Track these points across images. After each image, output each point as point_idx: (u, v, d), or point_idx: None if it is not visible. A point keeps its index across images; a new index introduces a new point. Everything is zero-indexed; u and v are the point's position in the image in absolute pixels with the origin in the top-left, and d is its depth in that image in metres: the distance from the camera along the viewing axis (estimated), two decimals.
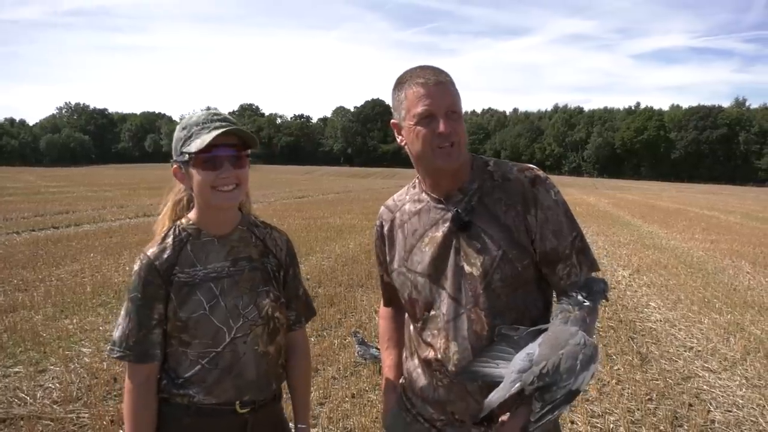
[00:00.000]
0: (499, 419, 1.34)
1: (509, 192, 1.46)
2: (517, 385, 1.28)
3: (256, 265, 1.56)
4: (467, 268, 1.43)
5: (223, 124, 1.45)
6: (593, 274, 1.48)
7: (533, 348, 1.32)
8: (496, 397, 1.30)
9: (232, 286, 1.51)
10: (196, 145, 1.41)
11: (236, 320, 1.50)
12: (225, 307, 1.49)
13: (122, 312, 1.49)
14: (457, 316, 1.44)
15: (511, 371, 1.31)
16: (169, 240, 1.51)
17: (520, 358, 1.32)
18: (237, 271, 1.53)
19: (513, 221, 1.44)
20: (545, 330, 1.36)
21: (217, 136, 1.40)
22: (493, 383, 1.35)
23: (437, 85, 1.41)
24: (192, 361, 1.49)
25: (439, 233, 1.48)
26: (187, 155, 1.44)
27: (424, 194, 1.54)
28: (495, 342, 1.40)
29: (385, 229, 1.62)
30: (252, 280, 1.54)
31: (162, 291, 1.47)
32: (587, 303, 1.37)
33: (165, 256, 1.48)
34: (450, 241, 1.46)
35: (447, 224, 1.47)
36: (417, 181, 1.60)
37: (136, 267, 1.49)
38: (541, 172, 1.50)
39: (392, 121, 1.52)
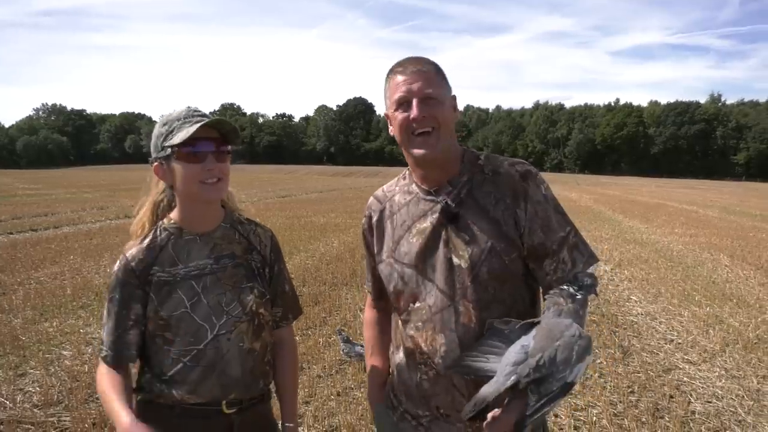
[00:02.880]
0: (490, 414, 1.30)
1: (499, 185, 1.46)
2: (513, 378, 1.25)
3: (239, 261, 1.55)
4: (455, 260, 1.43)
5: (205, 119, 1.45)
6: (592, 267, 1.47)
7: (528, 340, 1.30)
8: (489, 390, 1.27)
9: (214, 283, 1.50)
10: (180, 137, 1.41)
11: (219, 317, 1.49)
12: (207, 305, 1.48)
13: (104, 312, 1.50)
14: (445, 308, 1.44)
15: (505, 364, 1.29)
16: (148, 240, 1.51)
17: (514, 351, 1.30)
18: (219, 268, 1.52)
19: (502, 215, 1.44)
20: (537, 323, 1.34)
21: (201, 128, 1.41)
22: (484, 377, 1.33)
23: (414, 72, 1.43)
24: (174, 360, 1.48)
25: (427, 224, 1.47)
26: (169, 149, 1.44)
27: (414, 186, 1.54)
28: (485, 336, 1.38)
29: (374, 219, 1.61)
30: (235, 277, 1.53)
31: (139, 291, 1.47)
32: (579, 296, 1.37)
33: (142, 256, 1.48)
34: (439, 232, 1.46)
35: (435, 215, 1.47)
36: (408, 172, 1.60)
37: (115, 268, 1.49)
38: (532, 167, 1.50)
39: (385, 112, 1.54)
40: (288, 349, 1.70)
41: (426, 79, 1.43)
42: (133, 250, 1.49)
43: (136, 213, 1.58)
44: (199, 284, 1.49)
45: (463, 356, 1.38)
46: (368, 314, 1.81)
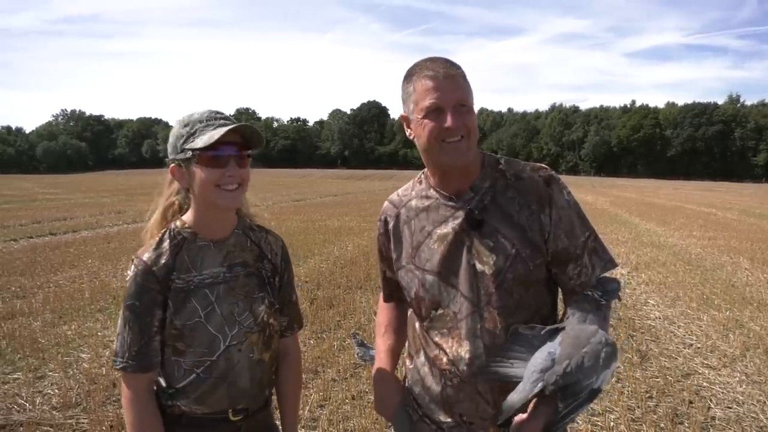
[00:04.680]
0: (516, 419, 1.30)
1: (523, 191, 1.45)
2: (540, 384, 1.26)
3: (251, 270, 1.52)
4: (480, 267, 1.42)
5: (228, 122, 1.42)
6: (609, 273, 1.47)
7: (554, 347, 1.30)
8: (517, 397, 1.27)
9: (227, 293, 1.46)
10: (203, 141, 1.37)
11: (232, 327, 1.45)
12: (221, 314, 1.45)
13: (120, 321, 1.44)
14: (470, 315, 1.42)
15: (531, 371, 1.28)
16: (166, 244, 1.44)
17: (540, 358, 1.29)
18: (232, 276, 1.48)
19: (527, 220, 1.43)
20: (562, 329, 1.34)
21: (226, 133, 1.36)
22: (510, 384, 1.33)
23: (446, 78, 1.38)
24: (187, 371, 1.44)
25: (448, 230, 1.46)
26: (190, 152, 1.39)
27: (432, 191, 1.52)
28: (509, 342, 1.38)
29: (390, 225, 1.59)
30: (247, 286, 1.50)
31: (161, 297, 1.41)
32: (604, 302, 1.36)
33: (163, 261, 1.42)
34: (461, 239, 1.44)
35: (457, 222, 1.45)
36: (423, 176, 1.57)
37: (131, 273, 1.42)
38: (553, 172, 1.49)
39: (401, 114, 1.50)
40: (292, 359, 1.66)
41: (458, 85, 1.39)
42: (150, 254, 1.43)
43: (149, 218, 1.53)
44: (212, 293, 1.45)
45: (488, 362, 1.38)
46: (381, 303, 1.79)
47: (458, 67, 1.43)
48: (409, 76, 1.45)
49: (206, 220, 1.48)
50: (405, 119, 1.49)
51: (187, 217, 1.50)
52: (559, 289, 1.54)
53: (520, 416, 1.29)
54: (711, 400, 4.01)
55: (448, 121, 1.37)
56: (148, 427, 1.43)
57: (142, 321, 1.41)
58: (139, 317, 1.41)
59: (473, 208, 1.44)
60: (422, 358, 1.55)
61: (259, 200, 22.24)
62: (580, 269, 1.44)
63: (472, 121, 1.41)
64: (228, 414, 1.48)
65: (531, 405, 1.29)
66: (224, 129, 1.37)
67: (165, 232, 1.48)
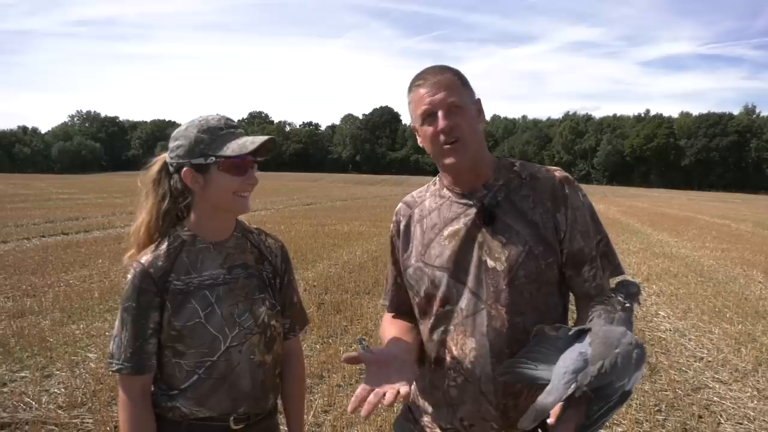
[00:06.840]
0: (549, 423, 1.25)
1: (538, 189, 1.46)
2: (573, 386, 1.22)
3: (251, 272, 1.53)
4: (490, 263, 1.41)
5: (243, 132, 1.47)
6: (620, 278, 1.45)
7: (584, 347, 1.27)
8: (550, 400, 1.23)
9: (227, 294, 1.48)
10: (232, 149, 1.41)
11: (232, 328, 1.46)
12: (221, 315, 1.45)
13: (117, 323, 1.45)
14: (477, 312, 1.41)
15: (563, 372, 1.25)
16: (164, 247, 1.47)
17: (571, 358, 1.26)
18: (232, 278, 1.49)
19: (541, 218, 1.43)
20: (589, 330, 1.31)
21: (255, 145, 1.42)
22: (533, 386, 1.30)
23: (435, 83, 1.43)
24: (189, 372, 1.44)
25: (460, 226, 1.46)
26: (213, 158, 1.42)
27: (446, 190, 1.54)
28: (532, 342, 1.35)
29: (402, 225, 1.59)
30: (247, 288, 1.51)
31: (157, 299, 1.43)
32: (628, 305, 1.34)
33: (160, 263, 1.44)
34: (473, 235, 1.44)
35: (469, 218, 1.45)
36: (438, 178, 1.59)
37: (129, 276, 1.45)
38: (568, 174, 1.50)
39: (412, 125, 1.54)
40: (296, 361, 1.68)
41: (447, 87, 1.42)
42: (148, 256, 1.45)
43: (140, 222, 1.52)
44: (212, 294, 1.46)
45: (512, 362, 1.34)
46: (387, 316, 1.70)
47: (451, 71, 1.47)
48: (408, 88, 1.50)
49: (208, 224, 1.50)
50: (415, 129, 1.52)
51: (186, 220, 1.52)
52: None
53: (549, 420, 1.25)
54: (721, 415, 3.95)
55: (440, 123, 1.41)
56: (141, 430, 1.44)
57: (137, 323, 1.42)
58: (135, 319, 1.42)
59: (486, 203, 1.45)
60: (426, 361, 1.53)
61: (270, 203, 22.33)
62: (595, 271, 1.44)
63: (466, 120, 1.43)
64: (229, 422, 1.47)
65: (558, 408, 1.25)
66: (254, 139, 1.43)
67: (165, 236, 1.50)
